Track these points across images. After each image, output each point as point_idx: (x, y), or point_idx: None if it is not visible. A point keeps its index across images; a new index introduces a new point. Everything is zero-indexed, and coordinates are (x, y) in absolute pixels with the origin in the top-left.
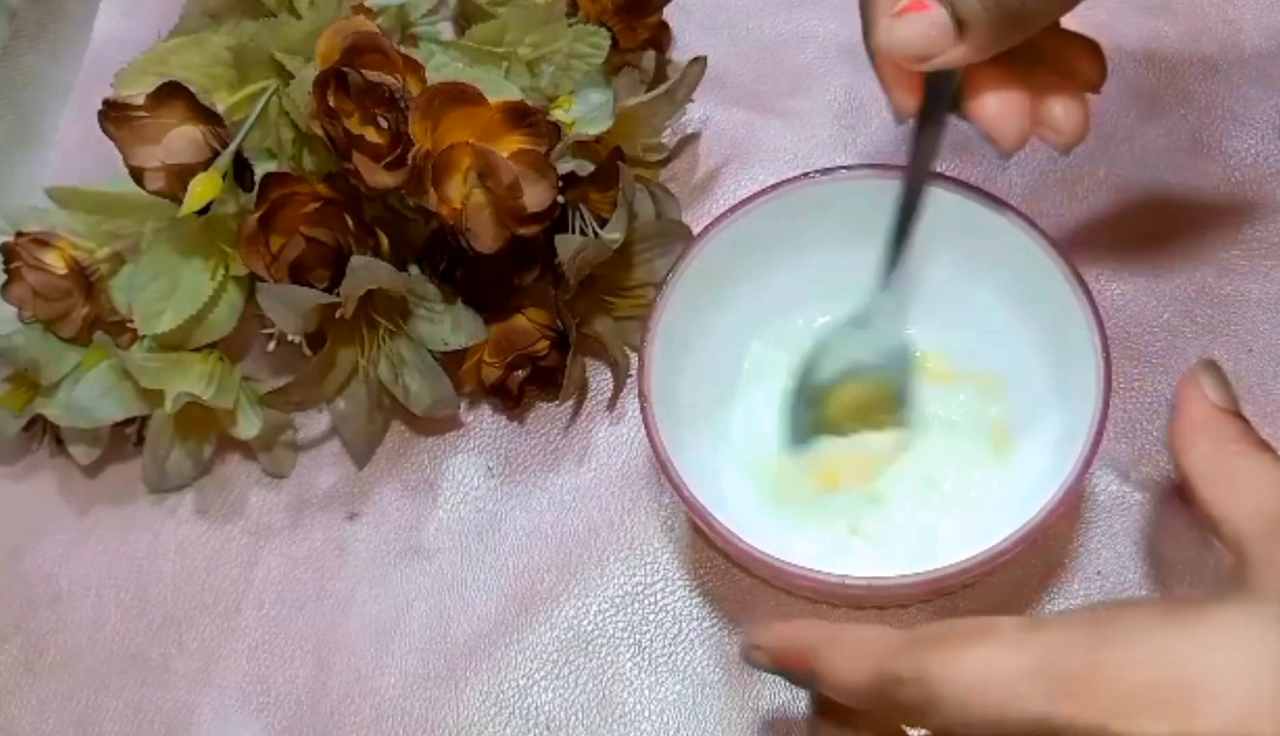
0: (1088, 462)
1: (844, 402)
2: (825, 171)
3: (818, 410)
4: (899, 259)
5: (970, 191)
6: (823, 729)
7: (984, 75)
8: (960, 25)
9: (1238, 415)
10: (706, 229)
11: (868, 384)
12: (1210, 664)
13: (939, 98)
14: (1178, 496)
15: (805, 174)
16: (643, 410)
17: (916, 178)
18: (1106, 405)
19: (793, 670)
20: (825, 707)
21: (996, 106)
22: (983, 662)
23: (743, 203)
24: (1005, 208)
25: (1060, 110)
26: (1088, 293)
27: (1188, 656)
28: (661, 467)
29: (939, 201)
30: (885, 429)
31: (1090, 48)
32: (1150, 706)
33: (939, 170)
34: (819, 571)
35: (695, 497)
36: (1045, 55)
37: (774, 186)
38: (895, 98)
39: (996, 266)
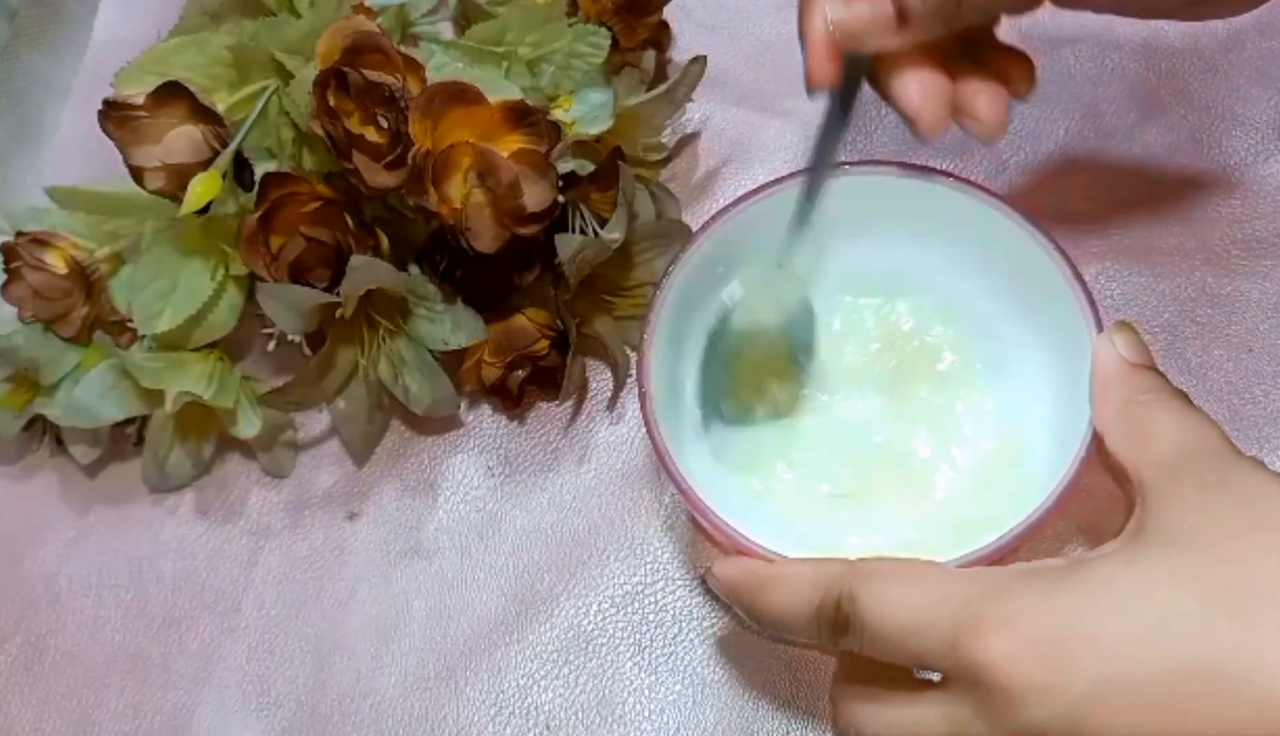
0: (1084, 462)
1: (752, 362)
2: None
3: (730, 371)
4: (805, 220)
5: (972, 189)
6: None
7: (905, 56)
8: (902, 16)
9: (1152, 369)
10: (707, 224)
11: (774, 342)
12: (1089, 616)
13: (856, 70)
14: (1097, 456)
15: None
16: (642, 404)
17: (824, 150)
18: None
19: (738, 605)
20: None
21: (919, 93)
22: (901, 596)
23: (743, 198)
24: (1006, 206)
25: (984, 102)
26: (1087, 292)
27: (1071, 608)
28: (660, 461)
29: (940, 198)
30: (787, 382)
31: (1023, 60)
32: (1035, 655)
33: (946, 170)
34: None
35: (693, 490)
36: (979, 59)
37: (774, 182)
38: (815, 67)
39: (995, 264)
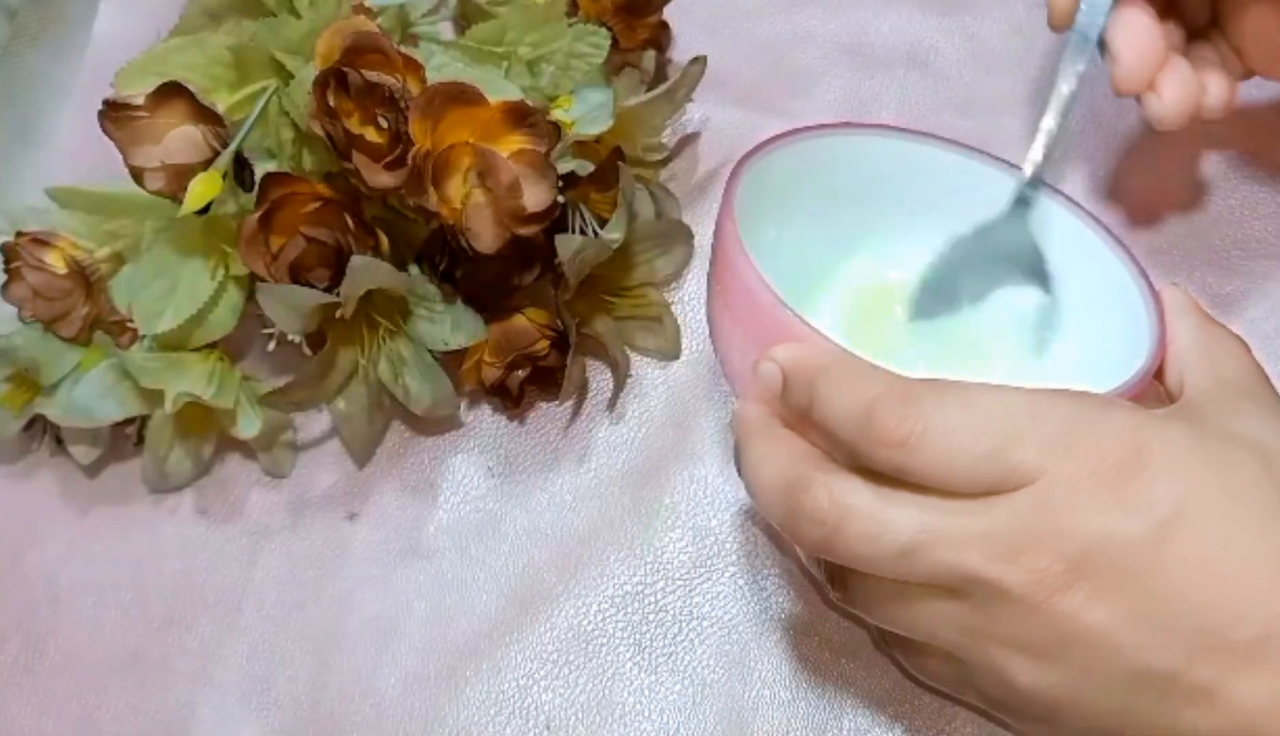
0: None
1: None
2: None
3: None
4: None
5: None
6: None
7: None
8: None
9: None
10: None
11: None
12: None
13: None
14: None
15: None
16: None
17: (1063, 88)
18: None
19: (793, 391)
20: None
21: (1131, 36)
22: (964, 397)
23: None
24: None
25: (1215, 88)
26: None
27: (1151, 432)
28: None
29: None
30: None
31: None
32: (1116, 474)
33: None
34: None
35: (758, 271)
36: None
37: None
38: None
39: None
